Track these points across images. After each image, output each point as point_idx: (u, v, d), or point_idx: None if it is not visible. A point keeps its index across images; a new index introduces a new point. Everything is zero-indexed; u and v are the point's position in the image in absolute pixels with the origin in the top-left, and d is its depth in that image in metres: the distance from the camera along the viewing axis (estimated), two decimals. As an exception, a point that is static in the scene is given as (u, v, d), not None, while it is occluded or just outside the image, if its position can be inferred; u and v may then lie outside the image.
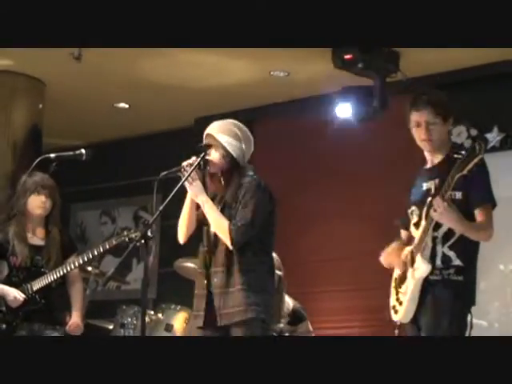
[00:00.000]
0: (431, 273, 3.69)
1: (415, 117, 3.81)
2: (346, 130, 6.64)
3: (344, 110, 6.47)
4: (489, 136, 3.69)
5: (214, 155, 3.90)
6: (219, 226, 3.83)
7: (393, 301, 3.87)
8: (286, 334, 5.27)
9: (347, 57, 5.88)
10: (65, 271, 4.81)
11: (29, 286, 4.80)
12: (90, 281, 5.72)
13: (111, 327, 6.06)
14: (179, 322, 5.86)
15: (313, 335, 5.50)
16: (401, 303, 3.79)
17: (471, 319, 3.67)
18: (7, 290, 4.78)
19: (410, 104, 3.83)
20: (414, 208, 3.86)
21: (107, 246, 4.80)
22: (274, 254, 4.52)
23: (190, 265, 5.64)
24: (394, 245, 3.95)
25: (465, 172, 3.54)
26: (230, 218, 3.82)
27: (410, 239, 3.85)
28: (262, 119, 7.29)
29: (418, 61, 6.06)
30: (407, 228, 3.91)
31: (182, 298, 5.43)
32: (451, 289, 3.68)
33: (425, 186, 3.85)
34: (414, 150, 3.92)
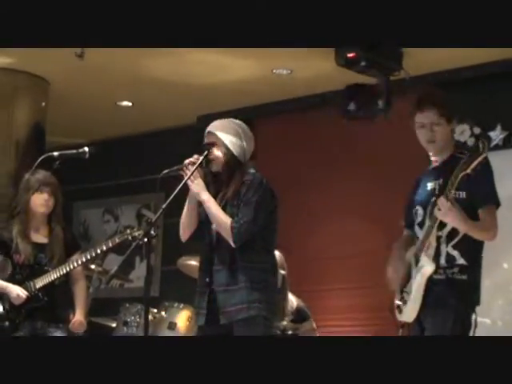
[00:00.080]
0: (435, 272, 3.68)
1: (419, 118, 3.80)
2: (350, 128, 6.64)
3: (348, 109, 6.44)
4: (492, 134, 3.69)
5: (216, 153, 3.90)
6: (221, 223, 3.83)
7: (397, 300, 3.87)
8: (290, 332, 5.27)
9: (350, 55, 5.86)
10: (68, 269, 4.81)
11: (32, 283, 4.80)
12: (94, 279, 5.73)
13: (114, 325, 6.07)
14: (182, 320, 5.86)
15: (317, 333, 5.50)
16: (405, 302, 3.79)
17: (475, 318, 3.66)
18: (10, 288, 4.79)
19: (414, 105, 3.83)
20: (418, 208, 3.85)
21: (110, 244, 4.81)
22: (278, 253, 4.53)
23: (193, 263, 5.64)
24: (394, 259, 3.94)
25: (468, 171, 3.54)
26: (231, 215, 3.82)
27: (414, 239, 3.85)
28: (265, 117, 7.29)
29: (422, 59, 6.05)
30: (411, 228, 3.90)
31: (185, 296, 5.43)
32: (455, 288, 3.68)
33: (429, 185, 3.84)
34: (420, 150, 3.91)
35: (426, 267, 3.68)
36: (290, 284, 5.39)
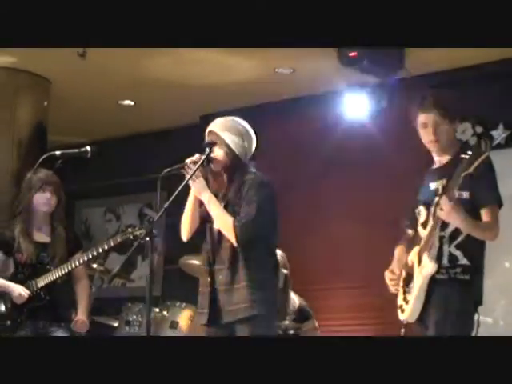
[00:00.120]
0: (438, 272, 3.69)
1: (422, 118, 3.80)
2: (352, 128, 6.64)
3: (350, 107, 6.43)
4: (494, 133, 3.69)
5: (218, 153, 3.90)
6: (223, 222, 3.83)
7: (400, 300, 3.87)
8: (292, 332, 5.27)
9: (352, 54, 5.86)
10: (70, 268, 4.81)
11: (34, 282, 4.80)
12: (96, 278, 5.74)
13: (116, 324, 6.07)
14: (184, 320, 5.86)
15: (319, 333, 5.50)
16: (407, 302, 3.79)
17: (478, 318, 3.66)
18: (12, 287, 4.79)
19: (417, 105, 3.82)
20: (421, 208, 3.85)
21: (112, 244, 4.80)
22: (280, 252, 4.53)
23: (195, 262, 5.64)
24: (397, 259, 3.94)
25: (470, 170, 3.52)
26: (233, 215, 3.82)
27: (417, 239, 3.85)
28: (267, 116, 7.28)
29: (424, 58, 6.04)
30: (414, 228, 3.90)
31: (187, 296, 5.43)
32: (458, 288, 3.68)
33: (432, 186, 3.84)
34: (422, 150, 3.91)
35: (429, 267, 3.68)
36: (292, 283, 5.39)
